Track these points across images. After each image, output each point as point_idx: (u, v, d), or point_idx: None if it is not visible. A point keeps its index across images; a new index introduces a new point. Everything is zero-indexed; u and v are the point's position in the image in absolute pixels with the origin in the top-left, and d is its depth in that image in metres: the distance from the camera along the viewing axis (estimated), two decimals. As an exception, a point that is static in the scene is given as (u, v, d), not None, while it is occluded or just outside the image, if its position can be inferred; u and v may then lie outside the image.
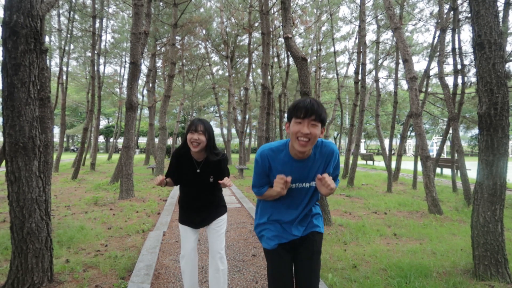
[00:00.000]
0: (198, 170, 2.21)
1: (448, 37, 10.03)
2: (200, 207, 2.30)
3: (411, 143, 45.56)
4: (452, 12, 8.10)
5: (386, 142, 12.17)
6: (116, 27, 19.75)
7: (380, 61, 15.88)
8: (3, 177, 8.90)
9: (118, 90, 24.38)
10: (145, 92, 20.66)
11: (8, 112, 2.46)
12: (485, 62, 2.85)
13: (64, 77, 13.90)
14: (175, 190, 8.52)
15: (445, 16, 8.37)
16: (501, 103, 2.81)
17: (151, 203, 6.56)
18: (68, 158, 24.08)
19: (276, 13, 15.32)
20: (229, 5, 17.03)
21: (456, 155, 8.17)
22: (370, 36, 34.64)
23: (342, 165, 13.76)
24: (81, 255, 3.50)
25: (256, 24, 15.66)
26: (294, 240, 1.76)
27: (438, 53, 8.31)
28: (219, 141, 38.81)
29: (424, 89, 10.34)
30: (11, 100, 2.45)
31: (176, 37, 15.36)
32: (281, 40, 16.80)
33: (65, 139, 38.74)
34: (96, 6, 12.06)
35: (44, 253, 2.63)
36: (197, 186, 2.25)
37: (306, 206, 1.76)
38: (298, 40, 20.62)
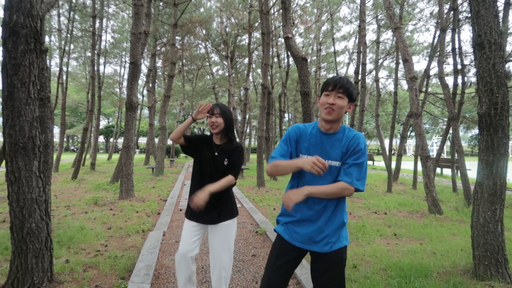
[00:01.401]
0: (216, 153, 2.27)
1: (448, 37, 10.02)
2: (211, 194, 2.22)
3: (411, 143, 45.58)
4: (452, 12, 8.10)
5: (386, 142, 12.18)
6: (116, 27, 19.76)
7: (380, 61, 15.88)
8: (3, 177, 8.90)
9: (118, 90, 24.39)
10: (145, 92, 20.66)
11: (8, 112, 2.45)
12: (485, 62, 2.85)
13: (64, 77, 13.90)
14: (175, 190, 8.52)
15: (445, 16, 8.37)
16: (501, 103, 2.81)
17: (151, 203, 6.56)
18: (68, 158, 24.08)
19: (276, 13, 15.32)
20: (229, 5, 17.02)
21: (456, 155, 8.17)
22: (370, 36, 34.65)
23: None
24: (81, 255, 3.50)
25: (256, 24, 15.66)
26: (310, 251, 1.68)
27: (438, 53, 8.32)
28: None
29: (424, 89, 10.34)
30: (11, 100, 2.44)
31: (176, 37, 15.37)
32: (281, 40, 16.79)
33: (65, 139, 38.74)
34: (96, 6, 12.06)
35: (44, 253, 2.63)
36: (212, 167, 2.25)
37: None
38: (298, 40, 20.62)
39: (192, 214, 2.24)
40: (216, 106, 2.25)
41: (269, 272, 1.69)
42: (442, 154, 18.47)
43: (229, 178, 2.18)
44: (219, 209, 2.23)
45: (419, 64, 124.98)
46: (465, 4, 8.56)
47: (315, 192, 1.57)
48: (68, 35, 13.46)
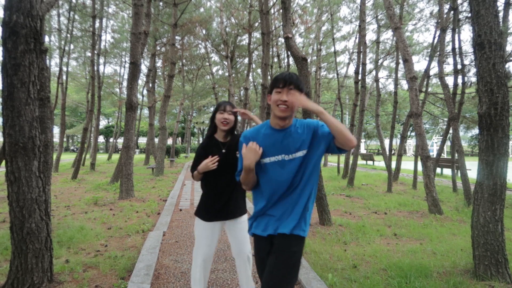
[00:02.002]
0: (224, 150, 2.26)
1: (448, 37, 10.02)
2: (225, 189, 2.25)
3: (411, 143, 45.55)
4: (452, 12, 8.10)
5: (386, 142, 12.17)
6: (116, 27, 19.75)
7: (380, 61, 15.87)
8: (3, 177, 8.90)
9: (118, 90, 24.38)
10: (145, 92, 20.65)
11: (8, 112, 2.45)
12: (485, 62, 2.85)
13: (64, 77, 13.90)
14: (175, 190, 8.51)
15: (445, 16, 8.37)
16: (501, 103, 2.81)
17: (151, 203, 6.56)
18: (68, 158, 24.07)
19: (276, 13, 15.31)
20: (229, 5, 17.01)
21: (456, 155, 8.17)
22: (370, 36, 34.64)
23: (342, 165, 13.75)
24: (81, 255, 3.49)
25: (256, 24, 15.65)
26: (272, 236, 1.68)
27: (438, 53, 8.32)
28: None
29: (424, 89, 10.34)
30: (11, 100, 2.44)
31: (176, 37, 15.36)
32: (281, 40, 16.79)
33: (65, 139, 38.74)
34: (96, 6, 12.06)
35: (44, 253, 2.63)
36: (223, 165, 2.23)
37: (297, 187, 1.66)
38: (298, 40, 20.61)
39: (212, 214, 2.26)
40: (228, 104, 2.27)
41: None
42: (442, 154, 18.47)
43: None
44: (235, 198, 2.29)
45: (419, 64, 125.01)
46: (465, 4, 8.56)
47: (328, 117, 1.52)
48: (68, 35, 13.46)
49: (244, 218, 2.34)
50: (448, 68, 15.79)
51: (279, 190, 1.66)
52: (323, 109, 1.53)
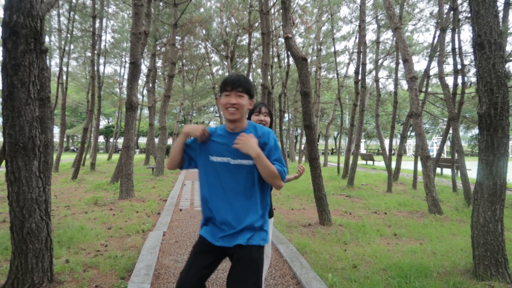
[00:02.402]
0: None
1: (448, 37, 10.02)
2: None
3: (411, 143, 45.55)
4: (452, 12, 8.10)
5: (386, 142, 12.17)
6: (116, 27, 19.76)
7: (380, 61, 15.88)
8: (3, 177, 8.90)
9: (118, 90, 24.39)
10: (145, 92, 20.66)
11: (8, 112, 2.45)
12: (485, 62, 2.85)
13: (64, 77, 13.90)
14: (175, 190, 8.51)
15: (445, 16, 8.37)
16: (501, 103, 2.81)
17: (151, 203, 6.56)
18: (68, 158, 24.08)
19: (276, 13, 15.31)
20: (229, 5, 17.02)
21: (456, 155, 8.17)
22: (370, 36, 34.63)
23: (342, 165, 13.74)
24: (81, 255, 3.50)
25: (256, 24, 15.66)
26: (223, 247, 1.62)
27: (438, 53, 8.32)
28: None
29: (424, 89, 10.33)
30: (11, 100, 2.44)
31: (176, 37, 15.36)
32: (281, 40, 16.79)
33: (65, 139, 38.74)
34: (96, 6, 12.06)
35: (44, 253, 2.63)
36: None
37: (248, 194, 1.63)
38: (298, 40, 20.62)
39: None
40: (262, 105, 2.21)
41: None
42: (442, 154, 18.47)
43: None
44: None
45: (419, 64, 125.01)
46: (465, 4, 8.56)
47: (259, 159, 1.54)
48: (68, 35, 13.46)
49: (270, 220, 2.22)
50: (448, 68, 15.81)
51: (229, 194, 1.62)
52: (258, 155, 1.54)
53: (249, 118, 2.22)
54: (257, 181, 1.63)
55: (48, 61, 14.93)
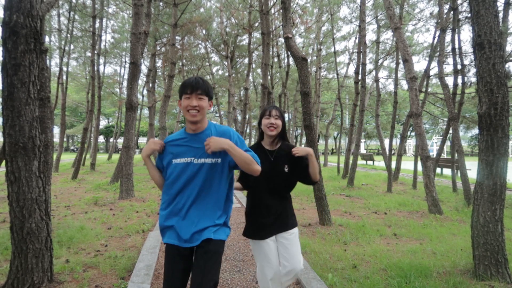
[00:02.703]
0: (272, 159, 2.11)
1: (448, 37, 10.02)
2: (274, 202, 2.08)
3: (411, 143, 45.55)
4: (452, 12, 8.10)
5: (386, 142, 12.17)
6: (116, 27, 19.75)
7: (380, 61, 15.88)
8: (3, 177, 8.90)
9: (118, 90, 24.38)
10: (145, 92, 20.64)
11: (8, 112, 2.45)
12: (485, 62, 2.85)
13: (64, 77, 13.90)
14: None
15: (445, 16, 8.37)
16: (501, 103, 2.81)
17: (151, 203, 6.56)
18: (68, 158, 24.07)
19: (276, 13, 15.31)
20: (229, 5, 17.02)
21: (456, 155, 8.17)
22: (370, 36, 34.61)
23: (342, 165, 13.74)
24: (81, 255, 3.50)
25: (256, 24, 15.66)
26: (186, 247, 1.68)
27: (438, 53, 8.32)
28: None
29: (424, 89, 10.33)
30: (11, 100, 2.44)
31: (176, 37, 15.35)
32: (281, 40, 16.79)
33: (65, 139, 38.73)
34: (96, 6, 12.06)
35: (44, 253, 2.63)
36: (271, 179, 2.07)
37: (209, 192, 1.70)
38: (298, 40, 20.61)
39: (264, 231, 2.06)
40: (274, 108, 2.14)
41: None
42: (442, 154, 18.47)
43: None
44: (286, 212, 2.14)
45: (419, 64, 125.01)
46: (465, 4, 8.55)
47: (233, 149, 1.60)
48: (68, 35, 13.46)
49: (296, 230, 2.16)
50: (448, 68, 15.80)
51: (191, 193, 1.67)
52: (231, 146, 1.60)
53: (259, 123, 2.17)
54: (220, 178, 1.71)
55: (48, 61, 14.93)
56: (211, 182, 1.69)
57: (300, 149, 2.03)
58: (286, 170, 2.10)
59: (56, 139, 25.23)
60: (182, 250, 1.67)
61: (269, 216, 2.06)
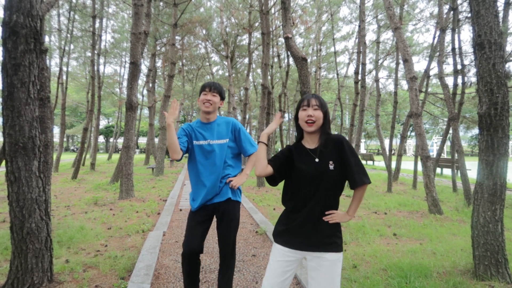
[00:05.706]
0: (317, 160, 1.65)
1: (448, 37, 10.03)
2: (315, 208, 1.63)
3: (411, 143, 45.56)
4: (452, 12, 8.10)
5: (386, 142, 12.17)
6: (116, 27, 19.76)
7: (380, 61, 15.88)
8: (3, 177, 8.89)
9: (118, 90, 24.39)
10: (145, 92, 20.66)
11: (8, 112, 2.45)
12: (485, 62, 2.85)
13: (64, 77, 13.90)
14: (175, 190, 8.51)
15: (445, 16, 8.37)
16: (501, 103, 2.81)
17: (151, 203, 6.56)
18: (68, 158, 24.07)
19: (276, 13, 15.32)
20: (229, 5, 17.03)
21: (456, 155, 8.17)
22: (370, 36, 34.62)
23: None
24: (81, 255, 3.49)
25: (256, 24, 15.66)
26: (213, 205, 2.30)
27: (438, 53, 8.31)
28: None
29: (424, 89, 10.33)
30: (11, 100, 2.44)
31: (176, 37, 15.37)
32: (281, 40, 16.78)
33: (65, 139, 38.74)
34: (96, 6, 12.06)
35: (44, 253, 2.63)
36: (316, 181, 1.63)
37: (221, 167, 2.28)
38: (298, 40, 20.62)
39: (295, 240, 1.66)
40: (313, 97, 1.68)
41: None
42: (442, 154, 18.47)
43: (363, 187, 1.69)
44: (331, 232, 1.65)
45: (419, 64, 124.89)
46: (465, 4, 8.56)
47: (250, 168, 2.34)
48: (68, 35, 13.46)
49: (339, 256, 1.63)
50: (448, 68, 15.81)
51: (212, 166, 2.26)
52: (246, 175, 2.38)
53: (296, 117, 1.72)
54: (231, 156, 2.36)
55: (48, 61, 14.94)
56: (224, 157, 2.31)
57: (335, 216, 1.62)
58: (331, 167, 1.63)
59: (56, 139, 25.24)
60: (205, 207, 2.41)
61: (305, 224, 1.65)
